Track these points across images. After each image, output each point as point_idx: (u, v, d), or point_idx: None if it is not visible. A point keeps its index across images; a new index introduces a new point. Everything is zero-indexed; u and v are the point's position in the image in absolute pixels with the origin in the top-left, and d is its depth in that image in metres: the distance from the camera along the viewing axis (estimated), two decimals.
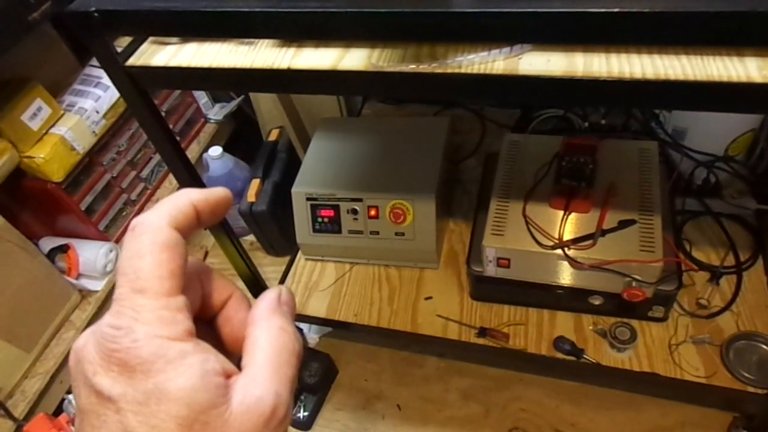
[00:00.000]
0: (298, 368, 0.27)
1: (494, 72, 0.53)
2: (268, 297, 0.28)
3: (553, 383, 1.18)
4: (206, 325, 0.29)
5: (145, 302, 0.23)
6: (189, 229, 0.26)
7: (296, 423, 1.22)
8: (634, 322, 0.99)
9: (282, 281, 1.20)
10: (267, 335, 0.26)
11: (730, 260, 1.05)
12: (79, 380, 0.23)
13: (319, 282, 1.19)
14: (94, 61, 1.31)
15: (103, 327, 0.23)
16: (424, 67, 0.55)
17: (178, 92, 1.51)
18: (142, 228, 0.24)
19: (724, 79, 0.48)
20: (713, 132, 1.08)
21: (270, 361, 0.25)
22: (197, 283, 0.29)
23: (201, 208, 0.26)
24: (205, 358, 0.23)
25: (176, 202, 0.26)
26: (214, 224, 0.28)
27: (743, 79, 0.48)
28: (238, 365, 0.26)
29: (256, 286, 1.07)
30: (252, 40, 0.64)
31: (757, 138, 1.08)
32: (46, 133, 1.18)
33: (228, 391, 0.23)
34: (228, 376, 0.24)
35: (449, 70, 0.54)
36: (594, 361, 0.98)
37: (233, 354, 0.29)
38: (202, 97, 1.59)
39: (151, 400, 0.22)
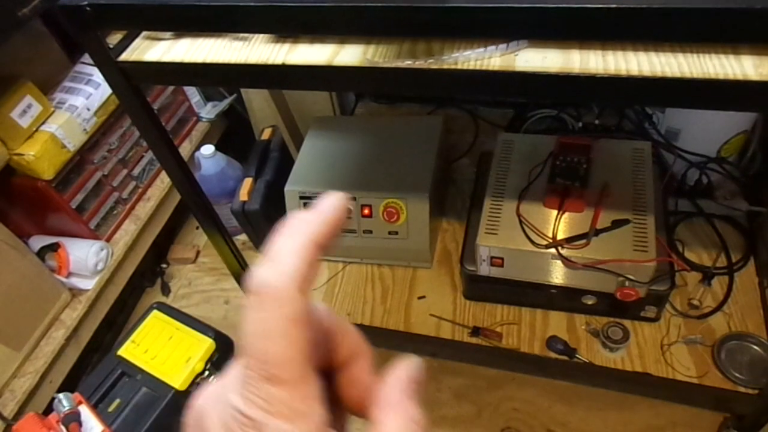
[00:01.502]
0: None
1: (490, 68, 0.53)
2: (402, 376, 0.25)
3: (545, 383, 1.18)
4: (323, 376, 0.27)
5: (277, 393, 0.21)
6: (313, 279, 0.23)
7: None
8: (627, 322, 0.99)
9: None
10: (398, 429, 0.24)
11: (722, 261, 1.06)
12: None
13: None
14: (85, 58, 1.30)
15: (234, 410, 0.21)
16: (420, 63, 0.55)
17: (169, 90, 1.49)
18: (269, 296, 0.21)
19: (721, 76, 0.48)
20: (706, 133, 1.08)
21: None
22: (325, 339, 0.26)
23: (324, 243, 0.23)
24: None
25: (300, 250, 0.22)
26: None
27: (739, 76, 0.48)
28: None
29: None
30: (246, 35, 0.63)
31: (749, 140, 1.09)
32: (36, 130, 1.17)
33: None
34: None
35: (445, 67, 0.54)
36: (586, 360, 0.98)
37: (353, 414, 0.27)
38: (194, 96, 1.58)
39: None
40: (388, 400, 0.24)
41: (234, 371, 0.23)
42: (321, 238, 0.22)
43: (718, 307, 1.00)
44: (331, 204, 0.23)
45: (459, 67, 0.54)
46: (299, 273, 0.21)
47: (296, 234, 0.22)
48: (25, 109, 1.14)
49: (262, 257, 0.22)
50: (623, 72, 0.50)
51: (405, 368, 0.25)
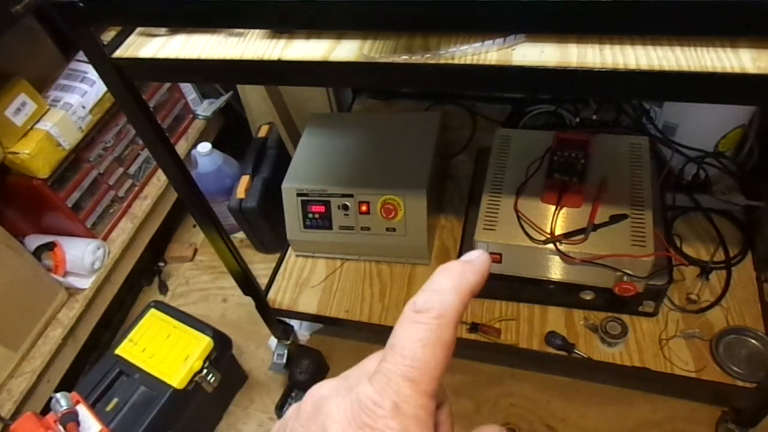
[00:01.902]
0: None
1: (487, 63, 0.53)
2: None
3: (544, 378, 1.18)
4: None
5: (411, 394, 0.23)
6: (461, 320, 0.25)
7: None
8: (625, 317, 0.99)
9: (272, 278, 1.19)
10: None
11: (720, 255, 1.06)
12: (312, 430, 0.24)
13: (310, 278, 1.18)
14: (80, 56, 1.29)
15: (363, 396, 0.23)
16: (416, 58, 0.54)
17: (165, 88, 1.49)
18: (434, 316, 0.24)
19: (718, 70, 0.48)
20: (703, 128, 1.08)
21: None
22: None
23: (475, 291, 0.26)
24: None
25: (459, 290, 0.25)
26: None
27: (737, 70, 0.47)
28: None
29: (247, 283, 1.06)
30: (242, 30, 0.63)
31: (746, 134, 1.09)
32: (31, 128, 1.16)
33: None
34: None
35: (442, 61, 0.54)
36: (585, 356, 0.98)
37: None
38: (190, 93, 1.58)
39: None
40: None
41: (356, 371, 0.26)
42: (474, 287, 0.25)
43: (716, 302, 1.00)
44: (481, 258, 0.26)
45: (456, 61, 0.54)
46: (456, 308, 0.24)
47: (455, 276, 0.25)
48: (20, 107, 1.13)
49: (422, 289, 0.25)
50: (621, 66, 0.50)
51: (489, 429, 0.27)
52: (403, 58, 0.54)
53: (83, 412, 1.04)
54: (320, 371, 1.25)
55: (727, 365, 0.93)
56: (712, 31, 0.48)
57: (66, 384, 1.25)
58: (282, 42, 0.61)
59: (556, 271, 0.95)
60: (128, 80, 0.68)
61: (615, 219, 0.91)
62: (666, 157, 1.12)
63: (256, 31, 0.62)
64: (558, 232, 0.91)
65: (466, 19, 0.52)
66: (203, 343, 1.13)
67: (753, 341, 0.95)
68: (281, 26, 0.60)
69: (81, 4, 0.59)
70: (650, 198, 0.93)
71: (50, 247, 1.27)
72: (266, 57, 0.60)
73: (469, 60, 0.53)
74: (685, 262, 1.04)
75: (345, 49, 0.58)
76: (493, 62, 0.53)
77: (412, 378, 0.23)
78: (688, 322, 0.99)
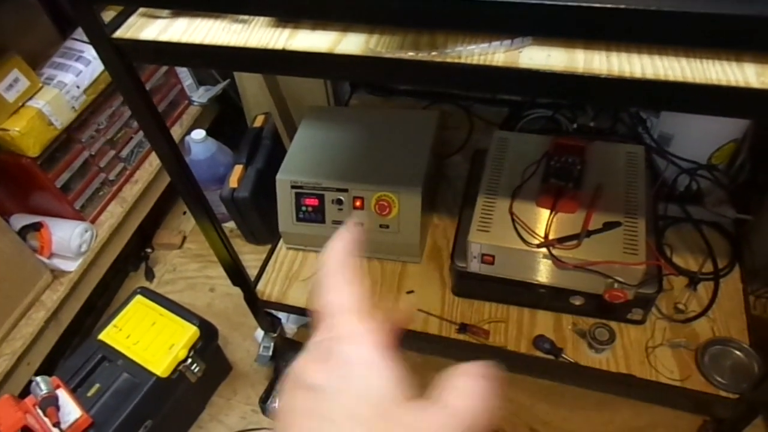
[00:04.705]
0: None
1: (494, 64, 0.52)
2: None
3: (529, 382, 1.19)
4: None
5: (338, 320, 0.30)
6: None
7: (273, 413, 1.20)
8: (613, 324, 1.00)
9: (262, 270, 1.19)
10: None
11: (708, 267, 1.07)
12: None
13: (300, 272, 1.17)
14: (76, 34, 1.27)
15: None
16: (423, 55, 0.54)
17: (161, 72, 1.47)
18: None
19: (723, 83, 0.48)
20: (698, 140, 1.09)
21: None
22: None
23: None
24: None
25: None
26: None
27: (741, 84, 0.48)
28: None
29: (237, 273, 1.05)
30: (246, 17, 0.62)
31: (739, 148, 1.10)
32: (22, 105, 1.14)
33: None
34: None
35: (448, 60, 0.53)
36: (572, 360, 0.98)
37: None
38: (186, 79, 1.56)
39: None
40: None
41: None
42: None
43: (703, 312, 1.01)
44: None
45: (462, 61, 0.53)
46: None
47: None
48: (12, 83, 1.11)
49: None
50: (627, 74, 0.50)
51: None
52: (410, 55, 0.54)
53: (63, 396, 1.03)
54: None
55: (712, 375, 0.94)
56: (717, 44, 0.49)
57: (47, 368, 1.23)
58: (287, 31, 0.60)
59: (547, 275, 0.95)
60: (127, 62, 0.67)
61: (608, 226, 0.92)
62: (660, 167, 1.12)
63: (261, 18, 0.62)
64: (552, 236, 0.91)
65: (474, 19, 0.51)
66: (189, 332, 1.12)
67: (737, 353, 0.96)
68: (287, 15, 0.60)
69: None
70: (643, 207, 0.94)
71: (37, 227, 1.26)
72: (270, 46, 0.59)
73: (475, 60, 0.53)
74: (675, 272, 1.05)
75: (351, 43, 0.57)
76: (499, 63, 0.52)
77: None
78: (675, 331, 1.00)
